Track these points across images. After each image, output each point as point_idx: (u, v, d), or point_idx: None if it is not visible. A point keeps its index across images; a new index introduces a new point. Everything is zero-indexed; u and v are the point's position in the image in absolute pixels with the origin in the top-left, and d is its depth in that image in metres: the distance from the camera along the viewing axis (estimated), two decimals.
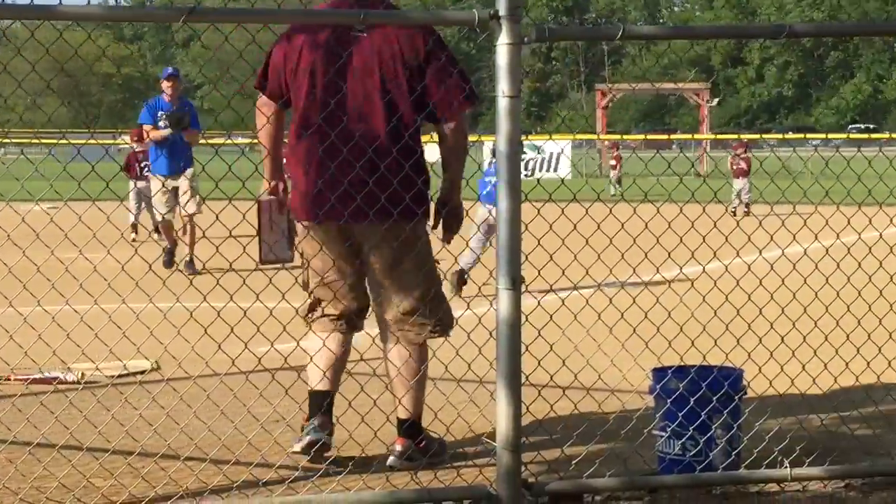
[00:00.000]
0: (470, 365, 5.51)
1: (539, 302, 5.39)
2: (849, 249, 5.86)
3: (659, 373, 5.48)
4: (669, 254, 5.45)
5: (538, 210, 5.32)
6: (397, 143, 5.39)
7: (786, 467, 5.22)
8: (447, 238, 5.66)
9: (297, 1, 5.84)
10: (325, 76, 5.46)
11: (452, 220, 5.65)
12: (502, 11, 4.71)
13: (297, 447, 5.62)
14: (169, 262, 13.92)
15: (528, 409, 5.02)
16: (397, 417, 5.63)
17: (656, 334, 5.57)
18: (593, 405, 5.87)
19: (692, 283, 5.59)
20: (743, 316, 5.74)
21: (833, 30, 6.47)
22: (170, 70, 14.76)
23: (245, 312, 5.01)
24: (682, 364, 5.57)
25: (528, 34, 4.82)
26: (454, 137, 5.56)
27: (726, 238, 5.77)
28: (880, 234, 5.99)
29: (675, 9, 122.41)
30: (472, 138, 5.34)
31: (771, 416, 5.90)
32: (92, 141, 20.22)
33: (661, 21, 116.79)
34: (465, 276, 11.69)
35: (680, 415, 5.28)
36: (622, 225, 5.31)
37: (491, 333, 4.81)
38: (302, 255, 5.78)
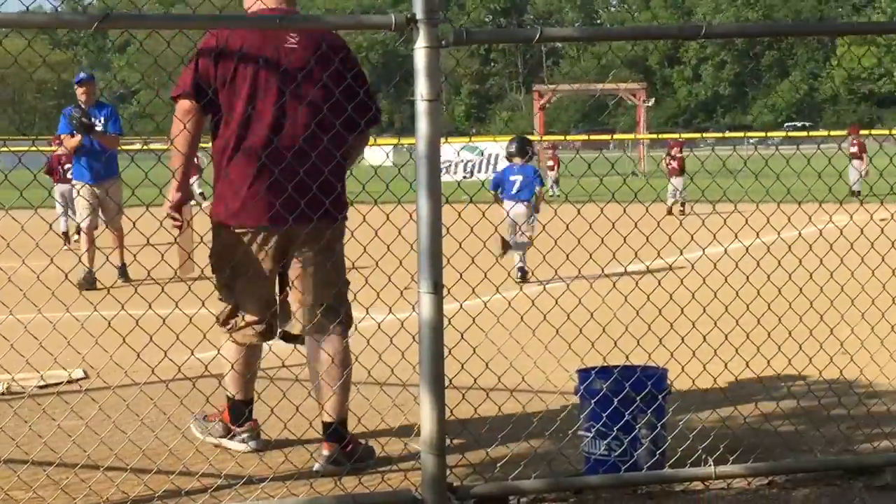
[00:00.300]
0: (393, 369, 5.50)
1: (461, 305, 5.36)
2: (790, 247, 5.89)
3: (583, 374, 5.49)
4: (591, 255, 5.46)
5: (459, 213, 5.31)
6: (327, 149, 5.43)
7: (710, 465, 5.24)
8: None
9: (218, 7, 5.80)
10: (265, 85, 5.51)
11: None
12: (419, 15, 4.70)
13: (253, 445, 5.75)
14: (89, 283, 13.36)
15: (452, 412, 4.99)
16: (322, 422, 5.62)
17: (579, 335, 5.58)
18: (518, 407, 5.87)
19: (614, 284, 5.60)
20: (666, 315, 5.76)
21: (750, 30, 6.50)
22: (82, 75, 14.03)
23: (164, 321, 4.96)
24: (606, 364, 5.59)
25: (445, 37, 4.80)
26: (351, 154, 5.76)
27: (667, 238, 5.79)
28: (820, 232, 6.03)
29: (612, 9, 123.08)
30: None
31: (695, 415, 5.93)
32: (34, 148, 19.97)
33: (598, 22, 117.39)
34: (526, 270, 12.56)
35: (604, 415, 5.29)
36: (567, 226, 5.32)
37: (414, 337, 4.80)
38: (221, 262, 5.71)
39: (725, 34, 5.56)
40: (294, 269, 5.66)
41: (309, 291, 5.65)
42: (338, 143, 5.49)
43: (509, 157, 14.27)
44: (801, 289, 6.06)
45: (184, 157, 5.55)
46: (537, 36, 5.02)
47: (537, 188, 13.80)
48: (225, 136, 5.56)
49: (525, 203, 13.60)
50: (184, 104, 5.55)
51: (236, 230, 5.58)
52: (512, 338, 5.65)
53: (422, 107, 4.73)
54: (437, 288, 4.69)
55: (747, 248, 6.00)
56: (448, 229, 4.88)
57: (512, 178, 13.82)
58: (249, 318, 5.70)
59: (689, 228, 5.87)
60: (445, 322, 4.72)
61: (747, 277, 5.99)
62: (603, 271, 5.67)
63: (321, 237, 5.56)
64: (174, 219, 5.62)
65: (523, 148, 14.28)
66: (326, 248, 5.62)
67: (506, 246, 12.87)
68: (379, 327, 5.77)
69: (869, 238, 6.21)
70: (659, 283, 5.62)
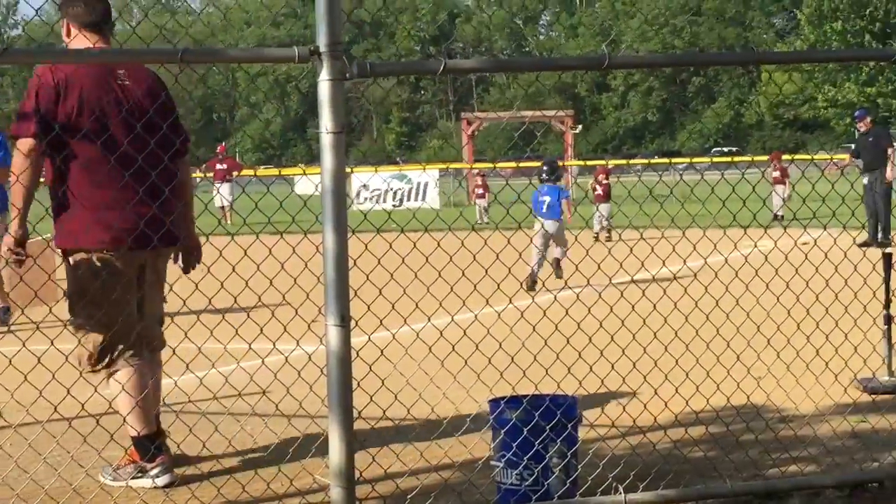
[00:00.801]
0: (301, 402, 5.47)
1: (370, 337, 5.35)
2: (716, 273, 5.94)
3: (493, 403, 5.50)
4: (499, 285, 5.49)
5: (366, 245, 5.30)
6: (173, 176, 5.70)
7: (620, 493, 5.25)
8: (187, 271, 6.10)
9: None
10: (106, 119, 5.68)
11: (193, 256, 6.10)
12: (322, 47, 4.68)
13: (162, 481, 5.70)
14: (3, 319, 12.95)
15: (361, 444, 4.97)
16: (151, 436, 5.70)
17: (488, 366, 5.58)
18: (427, 438, 5.86)
19: (522, 314, 5.61)
20: (575, 344, 5.79)
21: (652, 61, 6.59)
22: None
23: (67, 357, 4.91)
24: (516, 394, 5.59)
25: (349, 70, 4.80)
26: (186, 184, 6.05)
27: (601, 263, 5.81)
28: (745, 258, 6.10)
29: (541, 37, 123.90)
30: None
31: (605, 443, 5.95)
32: None
33: (526, 50, 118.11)
34: (535, 278, 14.34)
35: (514, 445, 5.30)
36: (497, 256, 5.32)
37: (322, 370, 4.78)
38: (82, 294, 5.69)
39: (626, 65, 5.61)
40: (143, 290, 5.85)
41: (154, 311, 5.94)
42: (170, 173, 5.69)
43: (541, 179, 15.68)
44: (727, 315, 6.10)
45: (27, 193, 5.58)
46: (441, 68, 5.03)
47: (564, 202, 15.31)
48: (76, 167, 5.62)
49: (555, 221, 15.12)
50: (27, 141, 5.56)
51: (95, 256, 5.62)
52: (421, 369, 5.64)
53: (326, 140, 4.71)
54: (345, 320, 4.67)
55: (675, 275, 6.04)
56: (355, 261, 4.87)
57: (541, 198, 15.22)
58: (123, 345, 5.69)
59: (617, 255, 5.90)
60: (353, 354, 4.71)
61: (654, 305, 6.05)
62: (510, 301, 5.70)
63: (166, 258, 5.96)
64: (16, 254, 5.60)
65: (554, 170, 16.05)
66: (164, 268, 5.99)
67: (533, 281, 14.36)
68: (286, 360, 5.73)
69: (793, 263, 6.27)
70: (567, 312, 5.64)
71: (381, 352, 5.43)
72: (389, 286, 5.38)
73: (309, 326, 5.57)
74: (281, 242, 5.21)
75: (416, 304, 5.39)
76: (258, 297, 5.62)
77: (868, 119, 21.49)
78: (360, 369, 4.91)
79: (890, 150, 20.41)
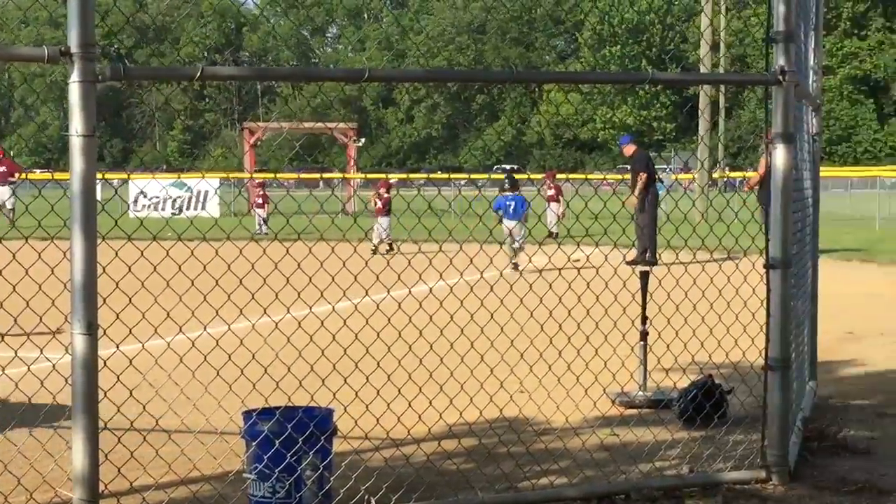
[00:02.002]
0: (43, 413, 5.30)
1: (118, 346, 5.21)
2: (492, 287, 6.00)
3: (246, 415, 5.43)
4: (252, 295, 5.43)
5: (116, 252, 5.16)
6: None
7: None
8: None
9: None
10: None
11: None
12: (74, 48, 4.57)
13: None
14: None
15: (106, 456, 4.83)
16: None
17: (240, 376, 5.51)
18: (176, 450, 5.75)
19: (276, 325, 5.57)
20: (331, 356, 5.77)
21: (412, 76, 6.67)
22: None
23: None
24: (269, 406, 5.53)
25: (102, 73, 4.69)
26: None
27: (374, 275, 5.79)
28: (520, 271, 6.16)
29: (328, 49, 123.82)
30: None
31: (359, 456, 5.94)
32: None
33: (314, 60, 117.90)
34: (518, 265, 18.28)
35: (266, 457, 5.24)
36: (276, 265, 5.24)
37: (66, 380, 4.64)
38: None
39: (387, 78, 5.65)
40: None
41: None
42: None
43: (503, 189, 21.37)
44: (471, 329, 6.18)
45: None
46: (198, 73, 4.97)
47: (525, 210, 20.43)
48: None
49: (517, 221, 19.96)
50: None
51: None
52: (171, 379, 5.53)
53: (76, 143, 4.61)
54: (92, 328, 4.56)
55: (451, 288, 6.05)
56: (104, 268, 4.74)
57: (508, 203, 20.31)
58: None
59: (396, 267, 5.90)
60: (101, 363, 4.59)
61: (431, 317, 6.07)
62: (290, 310, 5.64)
63: None
64: None
65: (514, 182, 21.89)
66: None
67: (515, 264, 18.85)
68: (29, 369, 5.54)
69: (566, 278, 6.38)
70: (322, 324, 5.62)
71: (130, 361, 5.30)
72: (140, 294, 5.26)
73: (54, 335, 5.40)
74: (27, 248, 5.04)
75: (168, 314, 5.28)
76: None
77: (630, 145, 22.06)
78: (108, 379, 4.78)
79: (641, 176, 20.94)
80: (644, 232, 20.43)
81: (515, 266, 18.64)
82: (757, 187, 21.07)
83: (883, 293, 15.47)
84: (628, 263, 17.47)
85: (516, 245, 20.01)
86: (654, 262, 19.22)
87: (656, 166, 25.01)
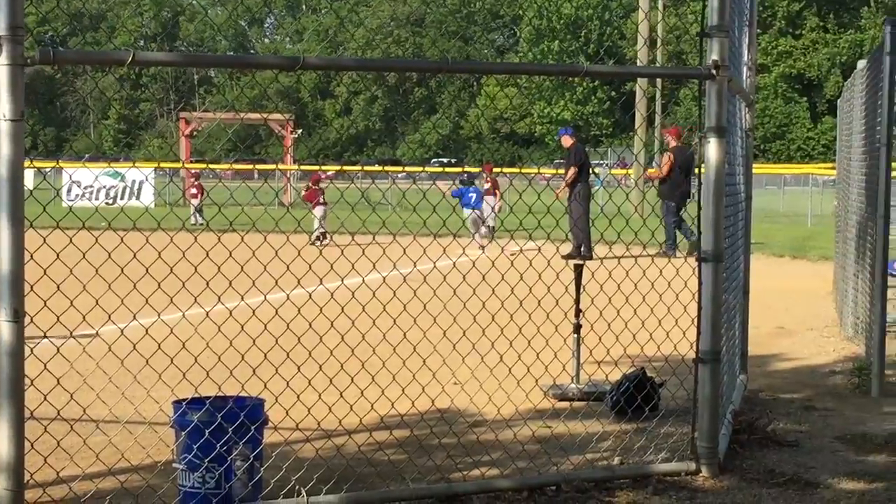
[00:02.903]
0: None
1: (45, 334, 5.15)
2: (425, 278, 5.98)
3: (176, 405, 5.38)
4: (184, 284, 5.37)
5: (44, 238, 5.09)
6: None
7: (303, 496, 5.25)
8: None
9: None
10: None
11: None
12: (2, 31, 4.53)
13: None
14: None
15: (32, 445, 4.77)
16: None
17: (170, 365, 5.46)
18: (104, 440, 5.69)
19: (207, 314, 5.52)
20: (262, 346, 5.73)
21: (341, 63, 6.66)
22: None
23: None
24: (199, 395, 5.49)
25: (31, 56, 4.64)
26: None
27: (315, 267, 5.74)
28: (454, 263, 6.13)
29: (266, 40, 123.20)
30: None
31: (289, 446, 5.91)
32: None
33: (252, 51, 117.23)
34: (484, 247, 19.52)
35: (196, 447, 5.20)
36: (207, 254, 5.18)
37: None
38: None
39: (321, 66, 5.61)
40: None
41: None
42: None
43: (462, 182, 25.31)
44: (415, 320, 6.15)
45: None
46: (129, 59, 4.93)
47: (485, 197, 24.06)
48: None
49: (476, 209, 22.91)
50: None
51: None
52: (99, 367, 5.47)
53: (4, 127, 4.56)
54: (18, 315, 4.51)
55: (384, 279, 6.03)
56: (32, 255, 4.68)
57: (470, 194, 23.52)
58: None
59: (329, 258, 5.87)
60: (27, 351, 4.53)
61: (363, 308, 6.05)
62: (196, 300, 5.58)
63: None
64: None
65: (471, 179, 25.98)
66: None
67: (482, 244, 20.19)
68: None
69: (500, 270, 6.37)
70: (253, 313, 5.58)
71: (58, 349, 5.24)
72: (69, 281, 5.19)
73: None
74: None
75: (97, 301, 5.21)
76: None
77: (568, 137, 22.10)
78: (35, 367, 4.72)
79: (574, 167, 20.98)
80: (577, 226, 20.49)
81: (482, 249, 19.65)
82: (657, 182, 21.53)
83: (813, 289, 15.64)
84: (563, 257, 17.53)
85: (490, 223, 23.05)
86: (588, 257, 19.29)
87: (592, 161, 25.49)
